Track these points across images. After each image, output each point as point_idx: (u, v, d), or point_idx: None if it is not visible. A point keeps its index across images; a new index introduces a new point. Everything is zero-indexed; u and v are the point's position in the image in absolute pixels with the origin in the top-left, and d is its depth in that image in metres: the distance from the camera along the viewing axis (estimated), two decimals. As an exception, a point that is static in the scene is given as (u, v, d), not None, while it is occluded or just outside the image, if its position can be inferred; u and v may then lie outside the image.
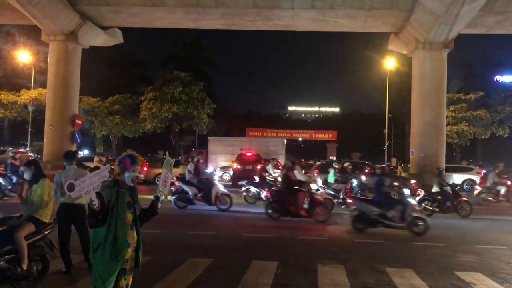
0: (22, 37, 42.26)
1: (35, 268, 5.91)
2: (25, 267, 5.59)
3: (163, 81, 37.18)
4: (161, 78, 38.59)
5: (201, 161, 16.38)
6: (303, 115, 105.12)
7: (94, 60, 39.25)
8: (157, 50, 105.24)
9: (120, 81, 46.90)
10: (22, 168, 6.28)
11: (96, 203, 3.85)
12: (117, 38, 26.83)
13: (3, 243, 5.55)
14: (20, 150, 34.99)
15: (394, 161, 40.81)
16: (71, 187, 3.75)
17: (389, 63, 36.11)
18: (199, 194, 14.38)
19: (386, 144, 41.57)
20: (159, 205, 4.37)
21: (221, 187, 14.84)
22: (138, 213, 4.26)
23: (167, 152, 5.81)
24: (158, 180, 5.61)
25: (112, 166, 4.28)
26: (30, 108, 39.72)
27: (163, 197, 4.43)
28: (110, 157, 29.94)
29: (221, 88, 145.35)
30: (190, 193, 14.44)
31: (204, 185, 14.47)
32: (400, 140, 45.42)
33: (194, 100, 36.73)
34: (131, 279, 4.28)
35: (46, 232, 6.02)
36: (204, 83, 38.26)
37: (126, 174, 4.12)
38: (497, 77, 44.18)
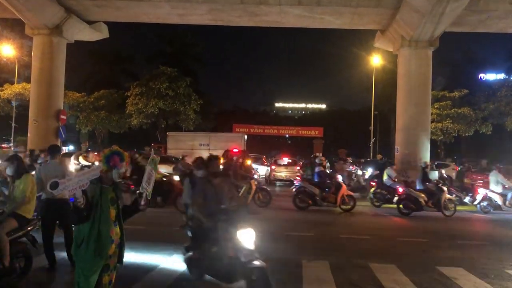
0: (5, 31, 41.52)
1: (18, 264, 5.86)
2: (7, 263, 5.53)
3: (149, 77, 36.95)
4: (147, 73, 38.35)
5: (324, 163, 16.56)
6: (289, 111, 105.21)
7: (80, 55, 38.83)
8: (143, 46, 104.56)
9: (105, 76, 46.47)
10: (4, 164, 6.18)
11: (81, 200, 3.84)
12: (103, 33, 26.50)
13: (-16, 239, 5.49)
14: (3, 145, 34.56)
15: (379, 157, 41.12)
16: (55, 185, 3.72)
17: (375, 61, 36.33)
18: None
19: (372, 140, 41.88)
20: (142, 202, 4.37)
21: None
22: (121, 209, 4.25)
23: (152, 150, 5.81)
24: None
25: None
26: (14, 103, 39.11)
27: (145, 194, 4.42)
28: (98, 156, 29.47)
29: (208, 84, 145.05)
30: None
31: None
32: (386, 137, 45.78)
33: (180, 96, 36.58)
34: (114, 275, 4.28)
35: (29, 228, 5.97)
36: (190, 79, 38.08)
37: (114, 171, 4.12)
38: (481, 75, 44.79)
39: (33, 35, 24.33)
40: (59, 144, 14.95)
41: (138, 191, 4.44)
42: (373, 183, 17.05)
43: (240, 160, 16.22)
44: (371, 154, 41.42)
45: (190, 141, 30.15)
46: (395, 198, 14.82)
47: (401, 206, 14.21)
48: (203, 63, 54.48)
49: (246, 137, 32.76)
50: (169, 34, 46.88)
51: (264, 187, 15.94)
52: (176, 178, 13.92)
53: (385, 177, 15.99)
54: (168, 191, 13.25)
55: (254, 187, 14.89)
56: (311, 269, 7.11)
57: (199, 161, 6.83)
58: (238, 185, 13.94)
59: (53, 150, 6.83)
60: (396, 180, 15.82)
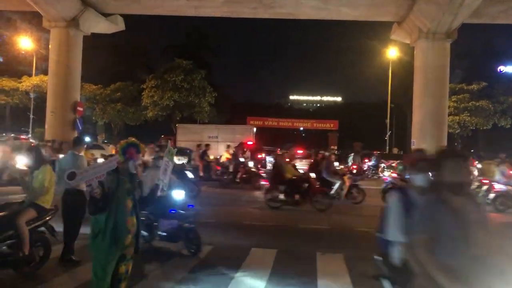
0: (23, 24, 42.03)
1: (37, 253, 5.98)
2: (26, 252, 5.66)
3: (164, 69, 37.13)
4: (162, 66, 38.52)
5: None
6: (304, 104, 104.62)
7: (96, 47, 39.11)
8: (159, 38, 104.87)
9: (121, 69, 46.80)
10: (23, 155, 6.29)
11: (98, 191, 3.89)
12: (119, 25, 26.67)
13: (5, 228, 5.61)
14: (22, 136, 35.09)
15: (395, 150, 40.83)
16: (72, 176, 3.78)
17: (392, 53, 35.92)
18: None
19: (388, 134, 41.52)
20: (158, 193, 4.41)
21: None
22: (137, 200, 4.30)
23: (168, 141, 5.85)
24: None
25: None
26: (32, 95, 39.70)
27: (162, 185, 4.47)
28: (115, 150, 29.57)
29: (223, 77, 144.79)
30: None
31: None
32: (402, 130, 45.35)
33: (195, 88, 36.70)
34: (131, 265, 4.33)
35: (47, 218, 6.08)
36: (205, 71, 38.17)
37: (130, 162, 4.17)
38: (501, 68, 43.97)
39: (50, 28, 24.58)
40: (78, 136, 15.14)
41: (154, 183, 4.48)
42: None
43: (333, 157, 16.03)
44: (387, 147, 41.10)
45: (199, 133, 30.38)
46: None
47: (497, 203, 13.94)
48: (218, 55, 54.53)
49: (255, 129, 32.77)
50: (184, 27, 47.02)
51: (358, 183, 14.76)
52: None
53: (497, 176, 15.07)
54: (307, 189, 12.66)
55: (347, 183, 14.16)
56: (325, 261, 7.11)
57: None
58: (332, 182, 13.68)
59: (74, 142, 6.93)
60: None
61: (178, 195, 7.23)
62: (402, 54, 35.85)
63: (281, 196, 12.54)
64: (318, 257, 7.31)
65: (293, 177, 12.78)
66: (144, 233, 6.55)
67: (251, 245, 7.97)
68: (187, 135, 30.36)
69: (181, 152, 21.61)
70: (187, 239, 7.05)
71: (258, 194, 15.51)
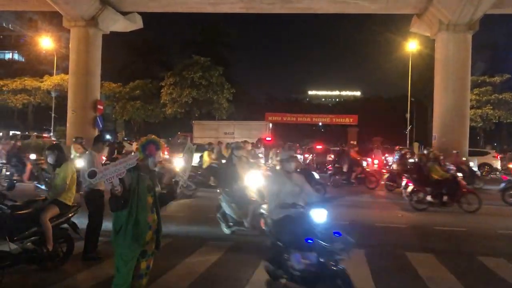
0: (44, 24, 42.78)
1: (60, 249, 6.08)
2: (50, 248, 5.76)
3: (182, 66, 37.35)
4: (180, 63, 38.74)
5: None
6: (323, 99, 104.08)
7: (115, 46, 39.59)
8: (176, 35, 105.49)
9: (140, 67, 47.25)
10: (45, 153, 6.39)
11: (119, 188, 3.93)
12: (137, 23, 26.90)
13: (29, 225, 5.72)
14: (44, 135, 35.73)
15: (416, 145, 40.25)
16: (93, 174, 3.82)
17: (412, 46, 35.36)
18: None
19: (408, 128, 40.96)
20: (178, 190, 4.43)
21: None
22: (157, 197, 4.32)
23: (188, 138, 5.86)
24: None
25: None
26: (53, 94, 40.38)
27: (181, 182, 4.48)
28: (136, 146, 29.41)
29: (241, 73, 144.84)
30: None
31: None
32: (423, 124, 44.71)
33: (213, 85, 36.85)
34: (152, 261, 4.37)
35: (70, 215, 6.17)
36: (223, 68, 38.28)
37: (150, 160, 4.19)
38: (524, 59, 42.97)
39: (70, 27, 24.93)
40: (100, 134, 15.38)
41: (174, 179, 4.50)
42: None
43: (356, 149, 16.06)
44: (407, 142, 40.56)
45: (215, 129, 30.45)
46: None
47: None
48: (235, 52, 54.72)
49: (271, 125, 32.70)
50: (201, 24, 47.14)
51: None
52: None
53: None
54: (455, 189, 12.06)
55: None
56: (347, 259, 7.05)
57: None
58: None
59: (95, 141, 7.00)
60: None
61: (319, 215, 4.62)
62: (422, 47, 35.27)
63: (428, 198, 12.04)
64: None
65: (440, 178, 12.17)
66: (270, 265, 4.98)
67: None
68: (203, 132, 30.50)
69: (201, 149, 21.67)
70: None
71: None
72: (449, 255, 7.36)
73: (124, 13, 25.50)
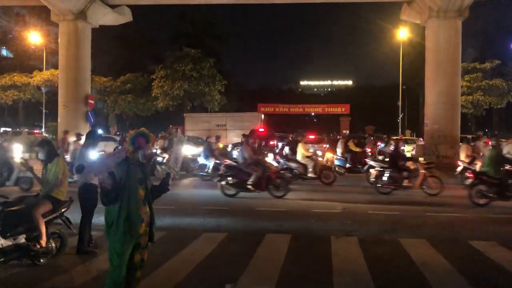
0: (32, 18, 42.22)
1: (54, 244, 6.06)
2: (43, 244, 5.73)
3: (173, 59, 37.18)
4: (171, 55, 38.52)
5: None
6: (315, 89, 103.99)
7: (105, 40, 39.22)
8: (167, 28, 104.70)
9: (131, 60, 46.96)
10: (35, 149, 6.34)
11: (108, 182, 3.92)
12: (126, 16, 26.67)
13: (22, 221, 5.70)
14: (35, 131, 35.46)
15: (408, 133, 40.48)
16: (80, 169, 3.82)
17: (402, 34, 35.38)
18: None
19: (400, 116, 41.12)
20: (170, 182, 4.43)
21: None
22: (149, 189, 4.31)
23: (178, 130, 5.84)
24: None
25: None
26: (44, 89, 40.01)
27: (173, 174, 4.48)
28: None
29: (232, 65, 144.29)
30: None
31: None
32: (415, 112, 44.90)
33: (205, 77, 36.73)
34: (146, 253, 4.37)
35: (63, 210, 6.14)
36: (214, 59, 38.14)
37: (140, 152, 4.18)
38: (514, 45, 43.11)
39: (59, 21, 24.69)
40: (92, 130, 15.21)
41: (166, 171, 4.50)
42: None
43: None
44: (399, 130, 40.76)
45: (207, 122, 30.39)
46: None
47: None
48: (226, 43, 54.32)
49: (263, 116, 32.67)
50: (191, 15, 46.79)
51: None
52: None
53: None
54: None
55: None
56: (340, 245, 7.10)
57: None
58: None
59: (87, 137, 6.94)
60: None
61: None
62: (413, 34, 35.33)
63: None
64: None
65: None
66: None
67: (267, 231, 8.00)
68: (195, 124, 30.46)
69: (193, 141, 21.62)
70: None
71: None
72: (442, 240, 7.43)
73: (113, 6, 25.26)
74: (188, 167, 16.48)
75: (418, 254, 6.56)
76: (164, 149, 16.15)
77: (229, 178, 11.94)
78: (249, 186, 11.67)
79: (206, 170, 15.87)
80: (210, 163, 15.72)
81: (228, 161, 14.22)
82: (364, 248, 6.92)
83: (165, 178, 4.42)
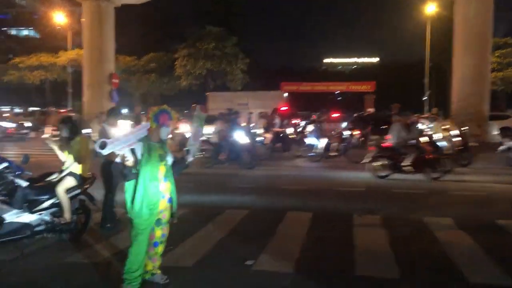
0: (57, -1, 42.58)
1: (78, 220, 6.17)
2: (68, 219, 5.84)
3: (196, 38, 37.08)
4: (194, 34, 38.42)
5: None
6: (340, 67, 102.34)
7: (128, 19, 39.31)
8: (189, 5, 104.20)
9: (154, 39, 46.95)
10: (59, 126, 6.40)
11: (130, 158, 3.94)
12: (148, -5, 26.66)
13: (46, 197, 5.80)
14: (61, 110, 36.08)
15: (435, 111, 39.51)
16: (103, 145, 3.83)
17: (430, 8, 34.30)
18: None
19: (427, 94, 40.17)
20: (190, 159, 4.42)
21: None
22: (170, 166, 4.32)
23: (197, 107, 5.81)
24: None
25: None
26: (69, 69, 40.54)
27: (193, 151, 4.47)
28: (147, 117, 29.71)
29: (255, 43, 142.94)
30: None
31: None
32: (442, 89, 43.78)
33: (227, 55, 36.58)
34: (167, 229, 4.42)
35: (86, 186, 6.22)
36: (237, 38, 37.85)
37: (163, 129, 4.17)
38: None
39: (82, 1, 24.83)
40: (113, 108, 15.32)
41: (185, 148, 4.49)
42: None
43: None
44: (427, 107, 39.90)
45: (229, 100, 30.30)
46: None
47: None
48: (249, 20, 54.02)
49: (286, 95, 32.36)
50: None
51: None
52: None
53: None
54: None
55: None
56: (363, 223, 7.03)
57: None
58: None
59: (109, 113, 7.01)
60: None
61: None
62: (441, 9, 34.19)
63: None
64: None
65: None
66: None
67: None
68: (218, 103, 30.43)
69: (212, 120, 21.53)
70: None
71: None
72: (468, 219, 7.27)
73: (135, -15, 25.26)
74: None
75: (443, 233, 6.43)
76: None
77: (383, 160, 11.43)
78: (407, 168, 11.12)
79: (314, 150, 14.97)
80: (320, 143, 14.89)
81: (387, 142, 12.38)
82: (388, 227, 6.82)
83: (185, 155, 4.42)
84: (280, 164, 14.84)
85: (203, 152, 13.37)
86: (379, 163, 11.44)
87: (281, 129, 17.75)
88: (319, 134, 15.16)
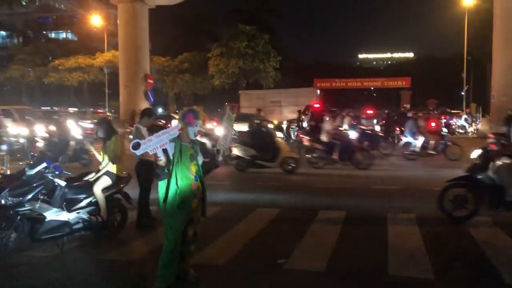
0: (94, 1, 43.76)
1: (115, 219, 6.35)
2: (105, 218, 6.03)
3: (228, 37, 37.32)
4: (226, 33, 38.69)
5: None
6: (374, 62, 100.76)
7: (162, 20, 39.95)
8: (221, 5, 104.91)
9: (187, 39, 47.57)
10: (96, 127, 6.61)
11: (163, 158, 4.03)
12: (181, -5, 27.01)
13: (84, 196, 6.00)
14: (99, 110, 37.07)
15: (473, 106, 38.38)
16: (136, 146, 3.94)
17: (468, 0, 33.24)
18: None
19: (465, 88, 39.00)
20: (220, 158, 4.48)
21: None
22: (200, 165, 4.38)
23: (227, 107, 5.86)
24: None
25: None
26: (106, 70, 41.60)
27: (223, 150, 4.52)
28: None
29: (287, 40, 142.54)
30: None
31: None
32: (481, 84, 42.38)
33: (259, 53, 36.63)
34: (199, 228, 4.48)
35: (122, 185, 6.39)
36: (269, 35, 37.86)
37: (190, 128, 4.24)
38: None
39: (117, 3, 25.44)
40: (146, 108, 15.60)
41: (215, 148, 4.55)
42: None
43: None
44: (464, 103, 38.77)
45: (262, 98, 30.33)
46: None
47: None
48: (280, 17, 53.79)
49: (318, 92, 32.11)
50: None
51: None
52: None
53: None
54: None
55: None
56: (396, 222, 6.92)
57: None
58: None
59: (143, 114, 7.10)
60: None
61: None
62: (479, 1, 33.07)
63: None
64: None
65: None
66: None
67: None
68: (250, 101, 30.55)
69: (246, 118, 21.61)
70: None
71: None
72: (506, 217, 7.03)
73: (169, -14, 25.63)
74: None
75: (480, 232, 6.27)
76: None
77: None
78: None
79: (412, 148, 14.66)
80: (418, 141, 14.56)
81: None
82: (422, 225, 6.69)
83: (214, 155, 4.48)
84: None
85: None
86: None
87: (367, 126, 17.11)
88: (416, 131, 14.69)
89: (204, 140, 13.86)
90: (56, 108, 33.45)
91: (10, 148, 14.33)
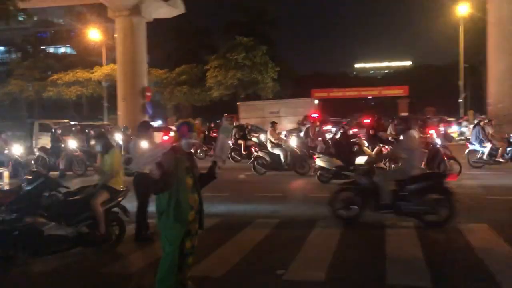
0: (92, 16, 43.96)
1: (113, 232, 6.37)
2: (103, 231, 6.05)
3: (226, 49, 37.49)
4: (224, 45, 38.90)
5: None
6: (371, 71, 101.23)
7: (159, 33, 40.14)
8: (219, 17, 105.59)
9: (185, 52, 47.78)
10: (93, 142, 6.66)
11: (156, 172, 4.05)
12: (179, 8, 27.22)
13: (82, 210, 6.02)
14: (97, 123, 37.08)
15: (471, 113, 38.48)
16: (128, 161, 3.99)
17: (462, 9, 33.53)
18: None
19: (462, 96, 39.15)
20: (217, 170, 4.50)
21: None
22: (197, 178, 4.40)
23: (223, 118, 5.89)
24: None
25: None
26: (104, 84, 41.69)
27: (220, 163, 4.54)
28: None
29: (284, 51, 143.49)
30: None
31: None
32: (478, 91, 42.55)
33: (257, 64, 36.78)
34: (196, 240, 4.50)
35: (120, 199, 6.42)
36: (266, 47, 38.06)
37: (183, 141, 4.27)
38: None
39: (115, 17, 25.62)
40: (147, 120, 15.63)
41: (212, 160, 4.57)
42: None
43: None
44: (461, 110, 38.90)
45: (261, 109, 30.39)
46: None
47: None
48: (278, 28, 54.13)
49: (317, 102, 32.23)
50: (243, 3, 46.90)
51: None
52: None
53: None
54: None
55: None
56: (394, 231, 6.93)
57: None
58: None
59: (139, 128, 7.13)
60: None
61: None
62: (473, 10, 33.37)
63: None
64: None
65: None
66: None
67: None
68: (249, 112, 30.59)
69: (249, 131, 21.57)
70: None
71: None
72: (504, 224, 7.05)
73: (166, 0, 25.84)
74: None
75: (478, 240, 6.28)
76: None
77: None
78: None
79: (479, 156, 14.03)
80: (485, 148, 13.85)
81: None
82: (420, 233, 6.70)
83: (211, 167, 4.50)
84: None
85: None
86: None
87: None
88: (483, 138, 14.02)
89: (276, 151, 13.78)
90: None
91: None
